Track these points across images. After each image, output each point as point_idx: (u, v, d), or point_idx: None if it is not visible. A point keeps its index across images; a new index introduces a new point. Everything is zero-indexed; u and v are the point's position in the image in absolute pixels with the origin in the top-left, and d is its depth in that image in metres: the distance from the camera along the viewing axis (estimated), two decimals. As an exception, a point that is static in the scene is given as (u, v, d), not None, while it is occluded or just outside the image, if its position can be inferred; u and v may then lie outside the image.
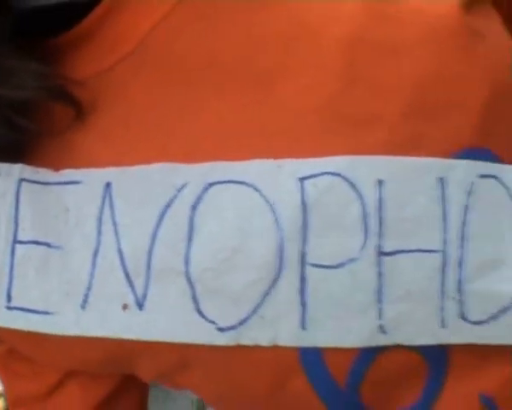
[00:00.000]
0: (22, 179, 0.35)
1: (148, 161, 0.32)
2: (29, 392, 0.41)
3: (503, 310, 0.31)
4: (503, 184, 0.31)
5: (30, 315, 0.34)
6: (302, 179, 0.30)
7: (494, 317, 0.31)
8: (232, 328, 0.31)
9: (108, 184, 0.33)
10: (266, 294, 0.30)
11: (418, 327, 0.31)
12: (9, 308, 0.34)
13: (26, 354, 0.38)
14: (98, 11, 0.33)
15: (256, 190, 0.30)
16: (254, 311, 0.31)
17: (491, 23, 0.34)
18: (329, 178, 0.30)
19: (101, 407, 0.41)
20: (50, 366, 0.39)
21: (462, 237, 0.31)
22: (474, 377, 0.34)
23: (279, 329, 0.31)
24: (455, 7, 0.32)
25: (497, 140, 0.32)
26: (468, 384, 0.34)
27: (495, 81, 0.32)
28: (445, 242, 0.30)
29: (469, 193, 0.31)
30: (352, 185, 0.30)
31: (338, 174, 0.30)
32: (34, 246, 0.34)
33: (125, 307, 0.33)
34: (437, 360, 0.33)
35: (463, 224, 0.31)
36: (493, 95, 0.32)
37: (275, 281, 0.30)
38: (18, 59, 0.31)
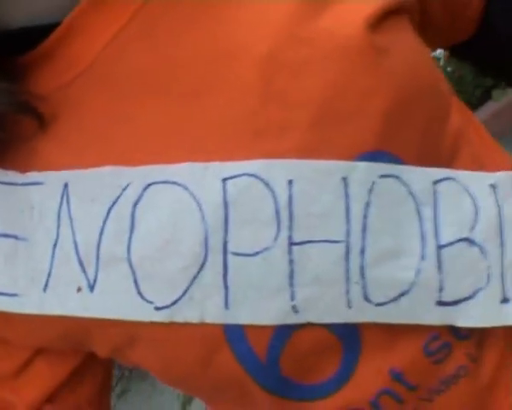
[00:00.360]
0: None
1: (97, 163, 0.38)
2: (1, 371, 0.47)
3: (403, 293, 0.36)
4: (403, 182, 0.36)
5: (0, 297, 0.40)
6: (224, 180, 0.35)
7: (395, 299, 0.37)
8: (167, 307, 0.36)
9: (66, 185, 0.39)
10: (194, 278, 0.36)
11: (327, 308, 0.36)
12: None
13: None
14: (57, 34, 0.38)
15: (186, 189, 0.36)
16: (185, 293, 0.36)
17: (398, 37, 0.39)
18: (247, 178, 0.35)
19: (67, 383, 0.46)
20: (20, 345, 0.45)
21: (364, 230, 0.36)
22: (385, 354, 0.39)
23: (206, 308, 0.36)
24: (360, 28, 0.36)
25: (399, 144, 0.37)
26: (379, 360, 0.39)
27: (398, 90, 0.37)
28: (348, 234, 0.35)
29: (370, 191, 0.36)
30: (266, 185, 0.35)
31: (254, 175, 0.35)
32: (3, 238, 0.40)
33: (79, 289, 0.38)
34: (349, 338, 0.38)
35: (365, 218, 0.36)
36: (395, 104, 0.37)
37: (201, 267, 0.36)
38: None
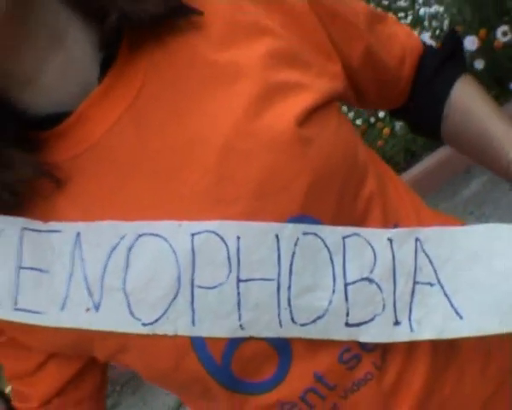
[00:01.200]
0: (24, 228, 0.57)
1: (101, 218, 0.54)
2: (22, 370, 0.64)
3: (319, 317, 0.53)
4: (320, 238, 0.53)
5: (28, 314, 0.57)
6: (192, 234, 0.52)
7: (313, 321, 0.53)
8: (150, 324, 0.53)
9: (78, 234, 0.55)
10: (170, 304, 0.53)
11: (264, 326, 0.53)
12: (16, 309, 0.57)
13: (22, 341, 0.60)
14: (70, 120, 0.54)
15: (165, 240, 0.52)
16: (163, 314, 0.53)
17: (323, 127, 0.55)
18: (208, 234, 0.52)
19: (72, 381, 0.63)
20: (37, 350, 0.61)
21: (290, 272, 0.52)
22: (310, 362, 0.56)
23: (178, 325, 0.53)
24: (291, 124, 0.53)
25: (318, 209, 0.54)
26: (306, 366, 0.56)
27: (319, 170, 0.53)
28: (279, 274, 0.52)
29: (295, 244, 0.52)
30: (222, 239, 0.52)
31: (213, 232, 0.52)
32: (32, 271, 0.56)
33: (87, 310, 0.55)
34: (283, 349, 0.55)
35: (291, 264, 0.52)
36: (316, 180, 0.53)
37: (175, 296, 0.52)
38: (19, 151, 0.53)
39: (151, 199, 0.54)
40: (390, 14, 0.78)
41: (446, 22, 3.16)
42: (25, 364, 0.64)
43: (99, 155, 0.55)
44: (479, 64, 2.77)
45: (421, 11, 3.45)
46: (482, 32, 2.77)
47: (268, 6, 0.58)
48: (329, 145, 0.56)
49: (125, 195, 0.54)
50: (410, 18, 3.65)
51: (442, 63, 0.74)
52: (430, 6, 3.41)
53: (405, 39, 0.73)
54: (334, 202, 0.55)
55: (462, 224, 0.65)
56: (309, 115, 0.55)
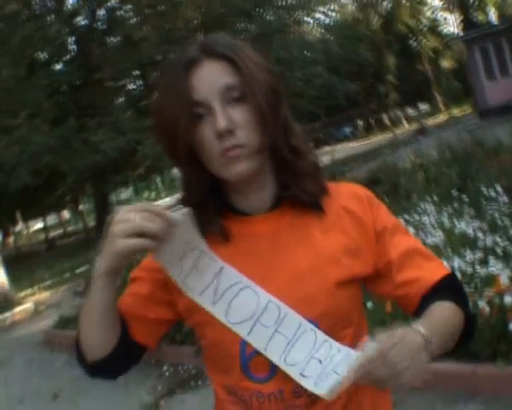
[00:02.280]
0: (203, 250, 1.28)
1: (235, 267, 1.25)
2: (148, 293, 1.34)
3: (293, 365, 1.22)
4: (316, 335, 1.22)
5: (185, 287, 1.27)
6: (269, 300, 1.23)
7: (291, 365, 1.21)
8: (231, 323, 1.22)
9: (222, 267, 1.27)
10: (243, 321, 1.22)
11: (274, 355, 1.22)
12: (182, 281, 1.27)
13: (164, 287, 1.32)
14: (247, 218, 1.29)
15: (257, 296, 1.22)
16: (238, 323, 1.22)
17: (346, 291, 1.24)
18: (276, 304, 1.22)
19: (162, 321, 1.36)
20: (164, 295, 1.33)
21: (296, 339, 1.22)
22: (282, 382, 1.22)
23: (241, 330, 1.22)
24: (332, 283, 1.23)
25: (321, 323, 1.22)
26: (279, 382, 1.22)
27: (331, 309, 1.23)
28: (294, 335, 1.22)
29: (305, 330, 1.22)
30: (279, 309, 1.21)
31: (277, 305, 1.22)
32: (196, 269, 1.26)
33: (212, 303, 1.25)
34: (274, 368, 1.23)
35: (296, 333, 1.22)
36: (327, 312, 1.23)
37: (248, 319, 1.22)
38: (218, 217, 1.28)
39: (260, 273, 1.25)
40: (439, 260, 1.36)
41: None
42: (146, 289, 1.35)
43: (249, 240, 1.28)
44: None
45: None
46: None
47: (353, 220, 1.30)
48: (343, 301, 1.26)
49: (250, 264, 1.26)
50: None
51: (445, 292, 1.32)
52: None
53: (429, 275, 1.32)
54: (330, 324, 1.24)
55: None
56: (343, 282, 1.25)
